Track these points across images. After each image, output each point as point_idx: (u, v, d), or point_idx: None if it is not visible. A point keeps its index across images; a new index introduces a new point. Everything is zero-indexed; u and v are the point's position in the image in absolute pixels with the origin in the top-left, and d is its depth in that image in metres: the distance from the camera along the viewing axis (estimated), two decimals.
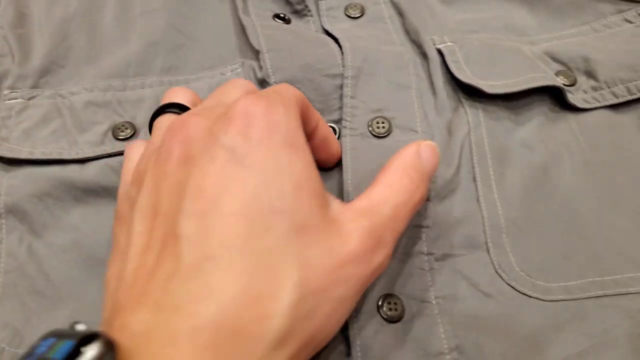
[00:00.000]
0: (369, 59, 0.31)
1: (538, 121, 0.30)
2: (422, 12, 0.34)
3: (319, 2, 0.35)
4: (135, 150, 0.25)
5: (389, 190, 0.21)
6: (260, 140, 0.19)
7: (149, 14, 0.35)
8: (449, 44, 0.32)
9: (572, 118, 0.30)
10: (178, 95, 0.26)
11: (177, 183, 0.19)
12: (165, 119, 0.24)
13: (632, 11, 0.33)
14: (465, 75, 0.30)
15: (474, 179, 0.27)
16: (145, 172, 0.21)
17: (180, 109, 0.25)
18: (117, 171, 0.28)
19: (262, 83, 0.31)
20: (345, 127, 0.28)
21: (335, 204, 0.21)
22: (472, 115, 0.29)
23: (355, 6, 0.34)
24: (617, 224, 0.26)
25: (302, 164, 0.20)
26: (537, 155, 0.28)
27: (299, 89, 0.28)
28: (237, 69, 0.32)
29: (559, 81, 0.30)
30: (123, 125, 0.29)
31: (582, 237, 0.26)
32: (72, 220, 0.27)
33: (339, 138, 0.29)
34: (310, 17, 0.35)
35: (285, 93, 0.22)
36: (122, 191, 0.24)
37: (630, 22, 0.33)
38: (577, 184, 0.28)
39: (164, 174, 0.20)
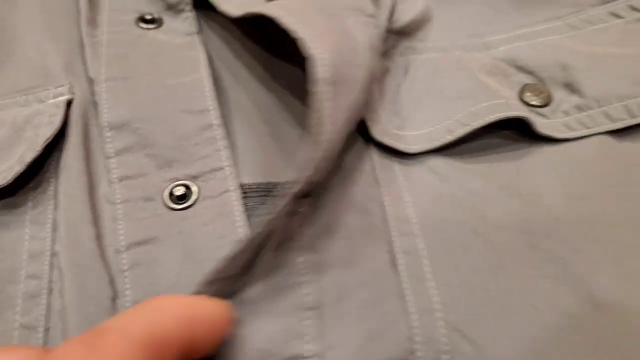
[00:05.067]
0: None
1: (496, 168, 0.21)
2: None
3: None
4: None
5: None
6: None
7: None
8: None
9: (552, 152, 0.21)
10: None
11: None
12: None
13: (620, 2, 0.25)
14: (379, 129, 0.22)
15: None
16: None
17: None
18: None
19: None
20: (226, 191, 0.20)
21: None
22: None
23: None
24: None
25: None
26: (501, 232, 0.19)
27: (139, 130, 0.22)
28: (63, 94, 0.24)
29: (518, 111, 0.21)
30: None
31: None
32: None
33: (193, 204, 0.20)
34: (188, 13, 0.27)
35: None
36: None
37: (620, 16, 0.25)
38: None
39: None
